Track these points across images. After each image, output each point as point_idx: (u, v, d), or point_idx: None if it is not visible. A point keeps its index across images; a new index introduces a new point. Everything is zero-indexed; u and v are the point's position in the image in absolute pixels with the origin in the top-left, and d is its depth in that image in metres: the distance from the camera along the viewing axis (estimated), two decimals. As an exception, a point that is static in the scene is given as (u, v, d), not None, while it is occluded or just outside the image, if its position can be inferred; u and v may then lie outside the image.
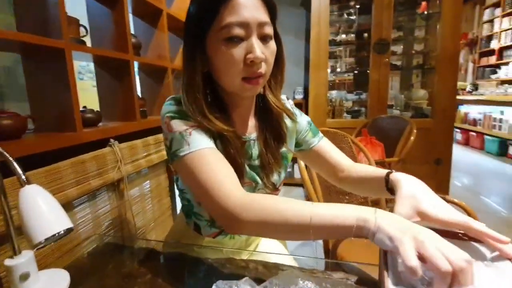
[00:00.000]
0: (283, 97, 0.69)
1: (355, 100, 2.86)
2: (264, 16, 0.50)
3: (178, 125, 0.52)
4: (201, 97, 0.53)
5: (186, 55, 0.54)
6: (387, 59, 2.39)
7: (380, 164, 2.02)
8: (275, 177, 0.67)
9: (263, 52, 0.50)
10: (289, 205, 0.45)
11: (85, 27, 0.95)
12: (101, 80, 1.07)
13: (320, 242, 1.13)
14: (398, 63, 2.86)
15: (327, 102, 2.61)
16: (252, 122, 0.64)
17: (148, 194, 1.20)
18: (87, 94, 1.55)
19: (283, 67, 0.61)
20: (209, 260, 0.65)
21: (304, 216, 0.42)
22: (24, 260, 0.55)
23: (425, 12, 2.60)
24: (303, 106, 3.11)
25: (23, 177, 0.48)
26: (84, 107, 0.96)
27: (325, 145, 0.72)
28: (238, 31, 0.48)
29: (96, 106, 1.02)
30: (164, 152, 1.26)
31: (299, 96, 3.22)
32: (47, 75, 0.78)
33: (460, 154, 4.33)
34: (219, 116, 0.55)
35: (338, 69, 3.04)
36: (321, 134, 0.74)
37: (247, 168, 0.62)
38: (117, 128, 0.98)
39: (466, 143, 4.83)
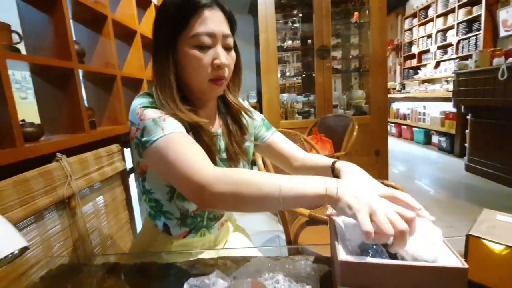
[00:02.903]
0: (240, 99, 0.77)
1: (305, 102, 3.07)
2: (227, 30, 0.59)
3: (152, 113, 0.56)
4: (175, 93, 0.59)
5: (157, 56, 0.60)
6: (329, 64, 2.63)
7: (331, 158, 2.21)
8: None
9: (226, 58, 0.59)
10: (259, 176, 0.49)
11: (18, 33, 0.87)
12: (41, 91, 0.98)
13: (283, 236, 1.20)
14: (339, 66, 3.15)
15: (279, 104, 2.75)
16: (216, 120, 0.71)
17: (103, 209, 1.13)
18: (18, 108, 1.38)
19: (240, 73, 0.71)
20: (177, 264, 0.66)
21: (274, 186, 0.46)
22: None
23: (357, 22, 2.92)
24: (257, 109, 3.22)
25: (-36, 199, 0.43)
26: (23, 120, 0.88)
27: (277, 138, 0.80)
28: (206, 40, 0.56)
29: (29, 119, 0.92)
30: (118, 164, 1.21)
31: (253, 100, 3.33)
32: (-24, 87, 0.70)
33: (395, 145, 4.92)
34: (191, 110, 0.61)
35: (288, 74, 3.22)
36: (274, 129, 0.82)
37: (218, 160, 0.67)
38: (64, 141, 0.91)
39: (399, 135, 5.51)
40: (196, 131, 0.62)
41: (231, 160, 0.70)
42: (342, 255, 0.42)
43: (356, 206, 0.41)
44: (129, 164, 1.34)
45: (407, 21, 5.99)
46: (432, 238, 0.43)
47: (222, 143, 0.70)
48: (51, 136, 0.99)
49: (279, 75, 2.81)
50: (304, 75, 3.15)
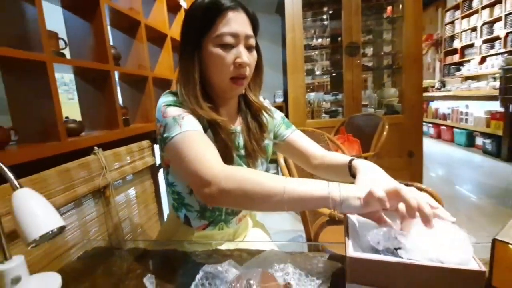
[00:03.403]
0: (261, 98, 0.79)
1: (332, 101, 3.00)
2: (250, 30, 0.62)
3: (173, 111, 0.60)
4: (198, 90, 0.62)
5: (184, 55, 0.63)
6: (358, 61, 2.54)
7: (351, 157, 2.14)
8: (259, 167, 0.75)
9: (248, 58, 0.62)
10: (265, 176, 0.51)
11: (64, 40, 0.98)
12: (83, 91, 1.09)
13: (304, 235, 1.19)
14: (370, 64, 3.03)
15: (305, 103, 2.72)
16: (235, 118, 0.74)
17: (134, 200, 1.22)
18: (64, 107, 1.54)
19: (262, 73, 0.73)
20: (196, 252, 0.70)
21: (279, 186, 0.48)
22: (15, 264, 0.58)
23: (391, 16, 2.78)
24: (283, 108, 3.20)
25: (15, 181, 0.51)
26: (66, 117, 0.98)
27: (297, 136, 0.81)
28: (229, 39, 0.60)
29: (74, 117, 1.03)
30: (149, 159, 1.30)
31: (279, 99, 3.32)
32: (29, 87, 0.80)
33: (433, 147, 4.59)
34: (212, 107, 0.64)
35: (316, 72, 3.17)
36: (293, 127, 0.83)
37: (235, 156, 0.69)
38: (101, 136, 1.01)
39: (438, 136, 5.13)
40: (214, 128, 0.65)
41: (249, 157, 0.72)
42: (352, 251, 0.42)
43: (364, 191, 0.44)
44: (158, 159, 1.43)
45: (448, 13, 5.56)
46: (458, 241, 0.40)
47: (240, 140, 0.72)
48: (91, 131, 1.09)
49: (305, 74, 2.78)
50: (332, 74, 3.08)
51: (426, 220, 0.41)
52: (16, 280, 0.58)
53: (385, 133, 2.14)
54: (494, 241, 0.45)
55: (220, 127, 0.64)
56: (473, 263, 0.39)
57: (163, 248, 0.78)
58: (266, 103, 0.80)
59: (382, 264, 0.40)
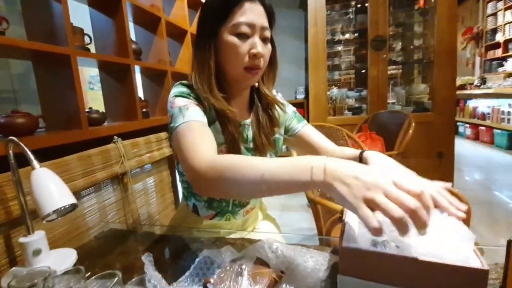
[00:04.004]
0: (274, 91, 0.79)
1: (357, 97, 2.89)
2: (265, 22, 0.63)
3: (180, 101, 0.62)
4: (212, 79, 0.63)
5: (200, 43, 0.65)
6: (385, 55, 2.42)
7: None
8: None
9: (262, 49, 0.62)
10: (247, 161, 0.47)
11: (89, 36, 1.05)
12: (105, 84, 1.17)
13: (315, 231, 1.17)
14: (399, 58, 2.87)
15: (327, 100, 2.65)
16: (246, 110, 0.74)
17: (151, 188, 1.28)
18: (98, 104, 1.65)
19: (276, 67, 0.74)
20: (201, 239, 0.72)
21: (258, 172, 0.44)
22: (37, 238, 0.64)
23: (423, 8, 2.62)
24: (304, 105, 3.16)
25: (35, 161, 0.56)
26: (90, 108, 1.05)
27: (308, 131, 0.80)
28: (245, 29, 0.60)
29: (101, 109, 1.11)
30: (166, 150, 1.35)
31: (301, 96, 3.27)
32: (56, 79, 0.88)
33: (470, 149, 4.26)
34: (224, 97, 0.65)
35: (340, 68, 3.08)
36: (305, 121, 0.82)
37: (243, 149, 0.70)
38: (120, 126, 1.07)
39: (476, 137, 4.74)
40: (222, 120, 0.66)
41: (257, 150, 0.72)
42: (345, 241, 0.41)
43: (352, 202, 0.35)
44: (176, 151, 1.48)
45: (490, 5, 5.10)
46: (458, 238, 0.38)
47: (249, 133, 0.72)
48: (112, 122, 1.16)
49: (329, 70, 2.71)
50: (357, 69, 2.97)
51: (421, 225, 0.33)
52: (37, 252, 0.63)
53: (410, 131, 2.03)
54: (510, 242, 0.41)
55: (228, 118, 0.65)
56: (476, 261, 0.36)
57: (172, 233, 0.82)
58: (279, 97, 0.80)
59: (376, 257, 0.38)
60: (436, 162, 2.45)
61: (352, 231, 0.44)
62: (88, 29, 1.09)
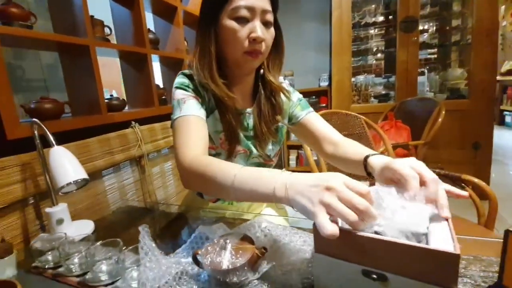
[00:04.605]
0: (281, 78, 0.77)
1: (384, 84, 2.74)
2: (267, 5, 0.60)
3: (178, 94, 0.64)
4: (213, 64, 0.63)
5: (201, 29, 0.64)
6: (415, 38, 2.25)
7: (403, 147, 1.95)
8: (269, 148, 0.75)
9: (263, 33, 0.60)
10: (220, 164, 0.50)
11: (109, 27, 1.12)
12: (125, 72, 1.25)
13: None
14: (433, 41, 2.65)
15: (351, 87, 2.55)
16: (249, 98, 0.73)
17: (169, 172, 1.36)
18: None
19: (282, 52, 0.71)
20: (204, 218, 0.77)
21: (229, 178, 0.46)
22: (60, 209, 0.72)
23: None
24: (328, 93, 3.06)
25: (53, 140, 0.63)
26: (111, 95, 1.14)
27: (312, 118, 0.77)
28: (244, 13, 0.58)
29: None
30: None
31: (324, 83, 3.17)
32: (78, 68, 0.96)
33: (515, 141, 3.85)
34: (225, 83, 0.64)
35: (367, 53, 2.92)
36: (310, 109, 0.79)
37: (242, 137, 0.71)
38: (138, 112, 1.14)
39: (525, 128, 4.26)
40: (221, 108, 0.66)
41: (257, 139, 0.72)
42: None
43: (310, 210, 0.37)
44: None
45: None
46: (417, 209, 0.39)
47: (250, 121, 0.72)
48: (132, 108, 1.24)
49: (355, 55, 2.58)
50: (386, 54, 2.80)
51: (371, 220, 0.36)
52: (60, 221, 0.72)
53: (440, 119, 1.89)
54: (507, 233, 0.38)
55: (226, 106, 0.65)
56: (450, 245, 0.35)
57: (181, 213, 0.88)
58: (285, 84, 0.78)
59: (346, 236, 0.39)
60: (471, 154, 2.27)
61: None
62: (110, 21, 1.17)
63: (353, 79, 2.64)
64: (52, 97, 0.91)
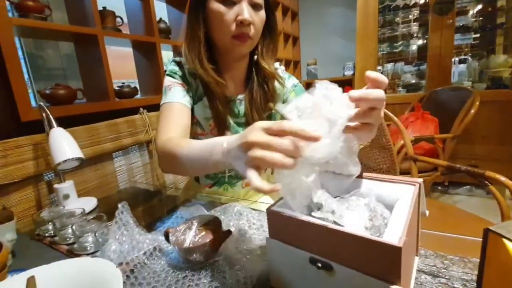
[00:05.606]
0: (276, 64, 0.75)
1: (415, 72, 2.54)
2: None
3: (166, 81, 0.67)
4: (202, 50, 0.63)
5: (190, 14, 0.64)
6: (450, 21, 2.04)
7: (428, 140, 1.80)
8: None
9: (251, 16, 0.58)
10: (179, 142, 0.51)
11: (121, 18, 1.17)
12: (137, 60, 1.30)
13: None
14: (474, 24, 2.38)
15: (375, 75, 2.41)
16: (242, 84, 0.73)
17: (178, 158, 1.42)
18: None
19: (276, 36, 0.69)
20: (197, 202, 0.79)
21: (184, 151, 0.48)
22: (66, 185, 0.79)
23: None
24: (352, 82, 2.92)
25: (53, 122, 0.69)
26: (123, 83, 1.20)
27: None
28: None
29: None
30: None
31: (349, 72, 3.02)
32: (90, 57, 1.03)
33: None
34: (214, 68, 0.64)
35: (396, 39, 2.72)
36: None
37: (233, 123, 0.71)
38: (145, 100, 1.20)
39: None
40: (209, 95, 0.66)
41: (248, 125, 0.71)
42: (276, 206, 0.42)
43: (244, 171, 0.36)
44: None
45: None
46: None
47: (241, 108, 0.71)
48: (143, 96, 1.30)
49: (382, 41, 2.42)
50: (418, 40, 2.58)
51: (298, 156, 0.34)
52: (66, 196, 0.80)
53: (473, 111, 1.72)
54: (486, 232, 0.34)
55: (214, 93, 0.65)
56: (395, 236, 0.33)
57: (179, 196, 0.92)
58: (280, 70, 0.76)
59: (296, 222, 0.38)
60: (512, 150, 2.04)
61: (289, 197, 0.44)
62: (122, 11, 1.22)
63: (379, 67, 2.49)
64: (70, 85, 0.99)
